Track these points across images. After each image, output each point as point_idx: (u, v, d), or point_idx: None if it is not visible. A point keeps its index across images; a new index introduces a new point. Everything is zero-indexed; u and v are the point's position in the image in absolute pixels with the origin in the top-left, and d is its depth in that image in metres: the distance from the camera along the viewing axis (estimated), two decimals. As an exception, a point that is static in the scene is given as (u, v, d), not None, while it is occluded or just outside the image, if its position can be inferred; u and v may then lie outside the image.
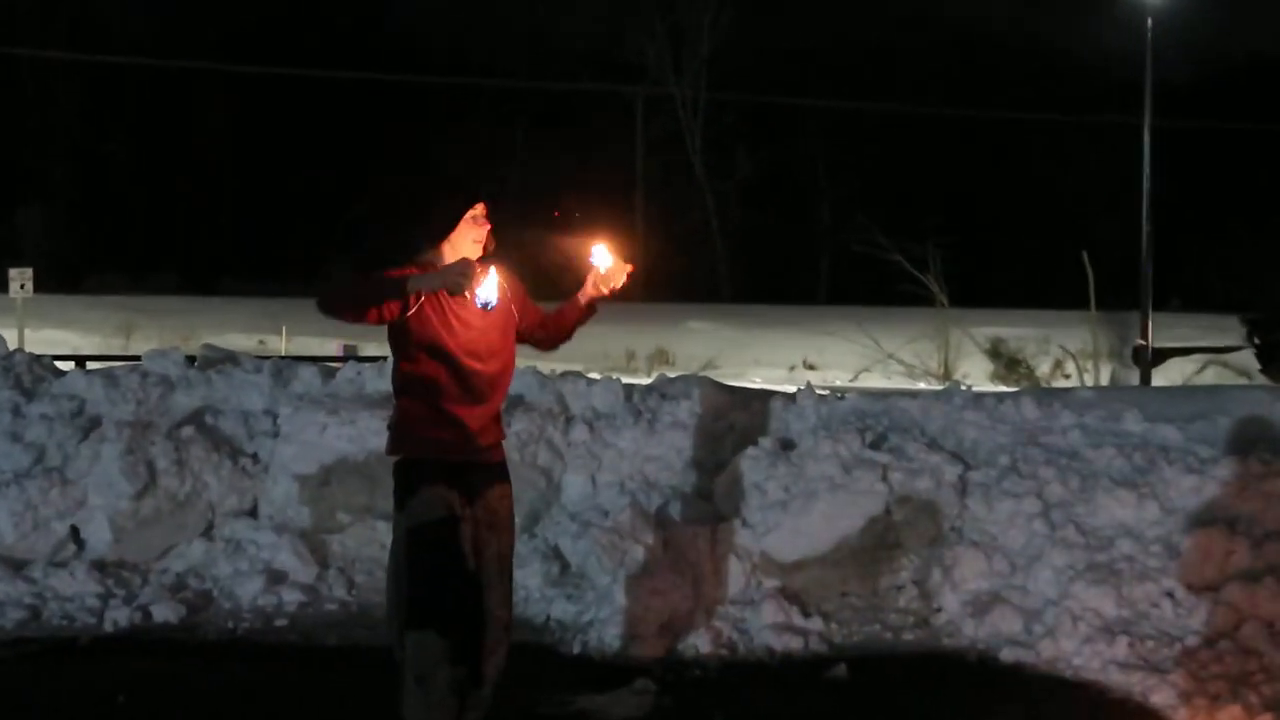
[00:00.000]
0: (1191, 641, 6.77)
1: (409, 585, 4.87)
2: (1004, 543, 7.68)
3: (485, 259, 4.95)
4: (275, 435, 8.70)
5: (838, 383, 26.48)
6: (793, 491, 7.84)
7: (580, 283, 5.15)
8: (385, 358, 7.62)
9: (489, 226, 4.99)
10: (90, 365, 12.19)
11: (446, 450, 4.93)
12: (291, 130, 43.54)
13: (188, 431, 8.50)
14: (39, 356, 9.76)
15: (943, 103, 42.75)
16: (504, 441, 5.20)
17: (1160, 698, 6.27)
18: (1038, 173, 44.13)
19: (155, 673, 6.65)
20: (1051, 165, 44.23)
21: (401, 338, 4.96)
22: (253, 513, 8.50)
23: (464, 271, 4.75)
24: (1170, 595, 7.07)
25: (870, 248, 33.19)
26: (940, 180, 42.82)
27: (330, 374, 9.28)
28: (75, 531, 8.15)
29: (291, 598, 7.79)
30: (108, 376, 9.03)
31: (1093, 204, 42.05)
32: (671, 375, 9.91)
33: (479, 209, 4.96)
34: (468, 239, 4.94)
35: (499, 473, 5.12)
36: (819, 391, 9.17)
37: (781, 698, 6.49)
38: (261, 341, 27.80)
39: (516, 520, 5.28)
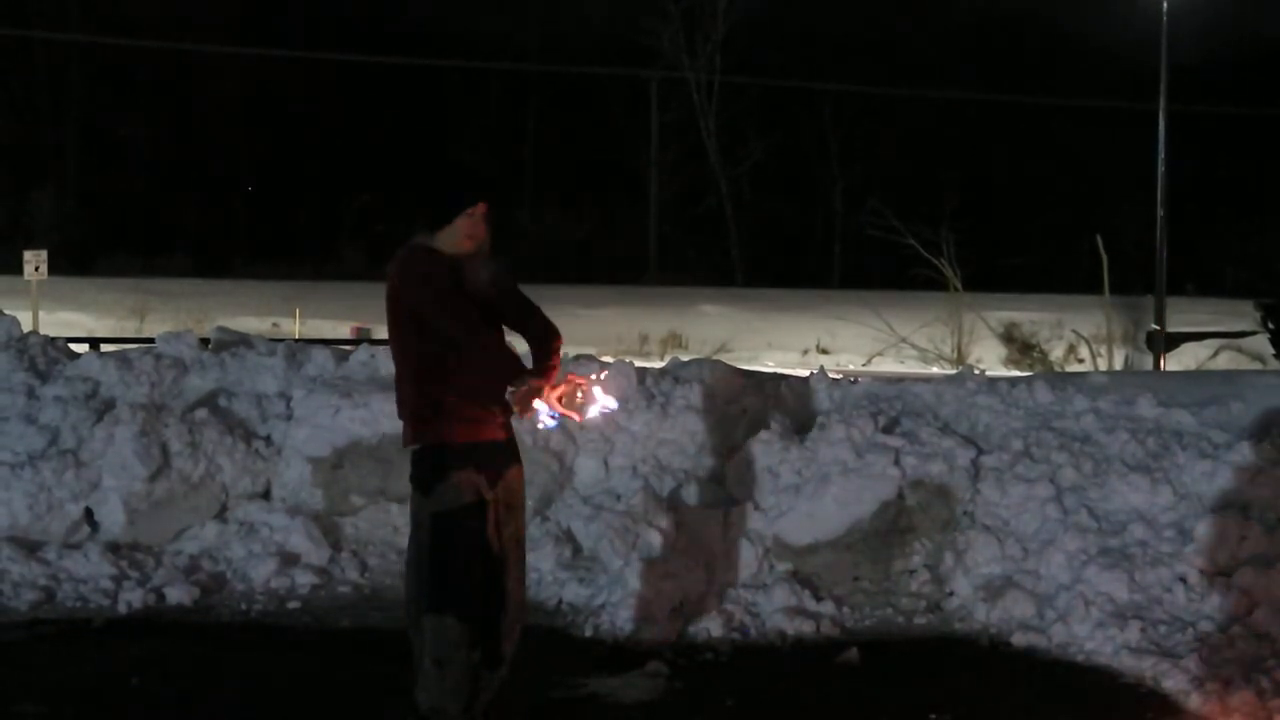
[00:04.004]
0: (1204, 627, 6.77)
1: (431, 570, 4.89)
2: (1016, 527, 7.67)
3: (473, 255, 4.99)
4: (288, 418, 8.71)
5: (851, 367, 26.46)
6: (805, 475, 7.84)
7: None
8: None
9: (484, 226, 5.02)
10: (104, 347, 12.19)
11: (479, 431, 4.95)
12: (304, 112, 43.54)
13: (201, 414, 8.52)
14: (53, 339, 9.79)
15: (957, 86, 42.60)
16: (514, 421, 5.20)
17: (1172, 683, 6.26)
18: (1052, 157, 43.94)
19: (168, 654, 6.67)
20: (1066, 149, 44.05)
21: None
22: (266, 495, 8.53)
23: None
24: (1183, 580, 7.06)
25: (884, 232, 33.16)
26: (954, 164, 42.65)
27: (343, 357, 9.29)
28: (89, 513, 8.17)
29: (304, 580, 7.81)
30: (121, 359, 9.04)
31: (1107, 188, 41.88)
32: (684, 359, 9.90)
33: (480, 208, 4.98)
34: (461, 233, 4.97)
35: (514, 450, 5.14)
36: (832, 375, 9.16)
37: (793, 681, 6.49)
38: (275, 324, 27.80)
39: (529, 503, 5.31)
